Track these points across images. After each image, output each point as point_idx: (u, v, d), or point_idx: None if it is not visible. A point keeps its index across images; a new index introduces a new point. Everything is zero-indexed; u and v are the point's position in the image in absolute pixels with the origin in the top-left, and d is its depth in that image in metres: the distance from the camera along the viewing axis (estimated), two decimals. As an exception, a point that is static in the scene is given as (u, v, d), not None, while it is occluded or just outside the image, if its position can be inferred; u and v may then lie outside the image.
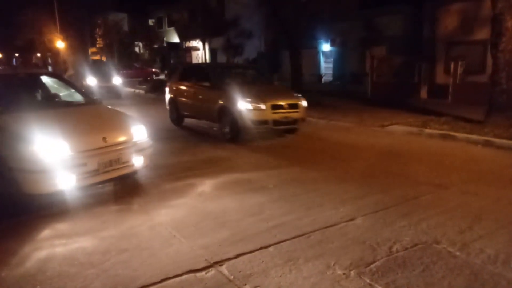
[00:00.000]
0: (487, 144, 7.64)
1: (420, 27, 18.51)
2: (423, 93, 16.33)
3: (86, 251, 3.40)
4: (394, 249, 3.41)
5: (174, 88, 10.34)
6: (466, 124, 9.24)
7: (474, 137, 7.99)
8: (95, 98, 6.04)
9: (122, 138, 4.83)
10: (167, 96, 10.64)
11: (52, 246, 3.52)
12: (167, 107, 10.64)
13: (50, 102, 5.80)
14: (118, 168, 4.71)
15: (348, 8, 21.65)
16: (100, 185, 4.96)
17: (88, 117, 5.18)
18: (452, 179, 5.42)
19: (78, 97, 6.05)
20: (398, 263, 3.16)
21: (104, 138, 4.57)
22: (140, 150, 4.98)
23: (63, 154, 4.19)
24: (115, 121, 5.19)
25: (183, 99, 9.82)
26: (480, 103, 10.86)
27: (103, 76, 18.98)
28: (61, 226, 3.98)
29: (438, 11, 17.64)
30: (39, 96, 6.01)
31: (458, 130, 8.59)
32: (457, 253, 3.32)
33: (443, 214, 4.18)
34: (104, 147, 4.54)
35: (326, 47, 23.49)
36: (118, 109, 6.40)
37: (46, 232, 3.83)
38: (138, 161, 4.98)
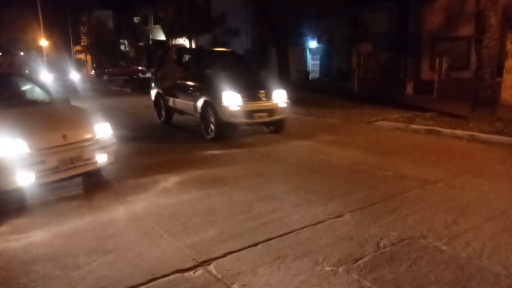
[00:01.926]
0: (472, 138, 7.74)
1: (406, 24, 18.66)
2: (409, 89, 16.50)
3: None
4: (381, 244, 3.42)
5: (158, 80, 10.03)
6: (451, 119, 9.35)
7: (459, 132, 8.09)
8: (62, 96, 5.99)
9: (83, 136, 4.81)
10: (152, 91, 10.32)
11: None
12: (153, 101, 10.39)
13: (13, 101, 5.71)
14: (79, 166, 4.70)
15: (334, 5, 21.71)
16: (62, 182, 4.94)
17: (49, 115, 5.14)
18: (438, 174, 5.47)
19: (45, 96, 6.01)
20: (385, 259, 3.18)
21: (64, 136, 4.55)
22: (103, 148, 4.97)
23: (21, 152, 4.17)
24: (77, 119, 5.16)
25: (168, 93, 9.51)
26: (464, 98, 11.01)
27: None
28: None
29: (423, 8, 17.79)
30: (2, 95, 5.92)
31: (444, 125, 8.68)
32: (444, 248, 3.35)
33: (429, 209, 4.21)
34: (64, 145, 4.53)
35: (313, 44, 23.54)
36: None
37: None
38: (101, 159, 4.96)
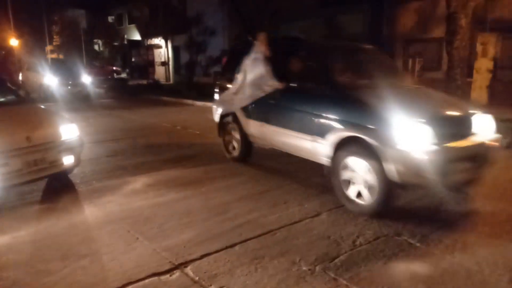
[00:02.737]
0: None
1: (380, 26, 18.99)
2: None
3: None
4: (357, 242, 3.46)
5: (231, 94, 5.93)
6: (424, 119, 9.54)
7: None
8: (28, 97, 5.84)
9: (48, 137, 4.72)
10: (217, 108, 6.51)
11: None
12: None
13: None
14: (44, 168, 4.61)
15: (309, 6, 21.88)
16: (30, 186, 4.85)
17: (12, 116, 4.99)
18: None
19: (10, 96, 5.87)
20: (361, 257, 3.22)
21: (28, 138, 4.45)
22: (69, 149, 4.88)
23: None
24: (41, 120, 5.04)
25: (252, 115, 5.70)
26: None
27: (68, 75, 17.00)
28: None
29: (396, 10, 18.15)
30: None
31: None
32: (417, 244, 3.42)
33: (403, 206, 4.29)
34: (28, 147, 4.43)
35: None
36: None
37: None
38: (67, 161, 4.87)
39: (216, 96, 6.73)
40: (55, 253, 3.32)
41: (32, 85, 16.59)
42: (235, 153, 6.23)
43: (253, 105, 5.61)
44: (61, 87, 15.84)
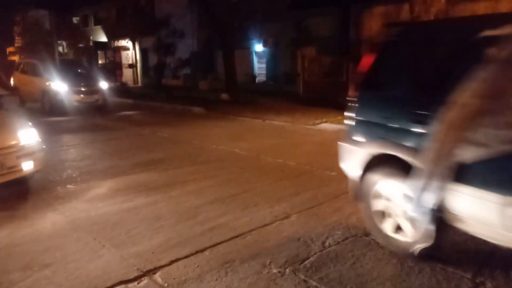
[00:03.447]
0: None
1: (347, 29, 19.37)
2: (351, 92, 17.12)
3: None
4: (327, 244, 3.50)
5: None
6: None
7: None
8: (22, 105, 5.64)
9: (6, 142, 4.58)
10: (358, 152, 3.77)
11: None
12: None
13: None
14: (2, 174, 4.49)
15: (279, 9, 22.07)
16: None
17: None
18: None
19: None
20: (330, 257, 3.26)
21: None
22: (29, 155, 4.75)
23: None
24: None
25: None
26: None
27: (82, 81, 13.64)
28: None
29: (363, 14, 18.56)
30: None
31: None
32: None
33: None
34: None
35: (259, 47, 23.75)
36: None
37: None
38: (27, 166, 4.73)
39: (353, 126, 4.13)
40: (17, 263, 3.19)
41: (30, 91, 13.60)
42: (406, 237, 3.23)
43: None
44: (72, 95, 12.80)
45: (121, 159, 6.63)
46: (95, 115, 12.52)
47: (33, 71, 14.10)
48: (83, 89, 13.23)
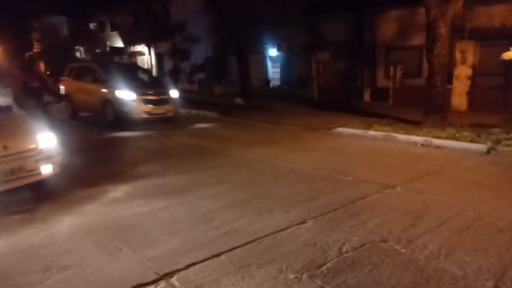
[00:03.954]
0: (426, 143, 8.06)
1: (361, 33, 19.28)
2: (366, 96, 17.02)
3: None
4: (343, 249, 3.47)
5: None
6: (406, 125, 9.70)
7: (414, 137, 8.41)
8: (2, 105, 5.73)
9: (25, 146, 4.67)
10: None
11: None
12: None
13: None
14: (22, 177, 4.56)
15: (293, 14, 22.08)
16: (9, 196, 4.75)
17: None
18: (396, 178, 5.64)
19: None
20: (348, 264, 3.22)
21: (4, 146, 4.40)
22: (48, 158, 4.83)
23: None
24: (18, 129, 4.97)
25: None
26: (418, 105, 11.43)
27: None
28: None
29: (377, 18, 18.46)
30: None
31: (399, 131, 8.99)
32: (403, 250, 3.44)
33: (388, 212, 4.33)
34: (5, 156, 4.38)
35: (273, 52, 23.79)
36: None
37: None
38: (45, 169, 4.81)
39: None
40: (36, 265, 3.23)
41: (86, 100, 11.91)
42: None
43: None
44: (141, 105, 10.74)
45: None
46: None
47: (90, 77, 11.99)
48: (153, 98, 11.00)
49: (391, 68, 15.83)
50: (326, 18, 20.56)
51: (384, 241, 3.62)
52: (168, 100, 11.42)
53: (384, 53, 18.19)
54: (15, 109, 6.50)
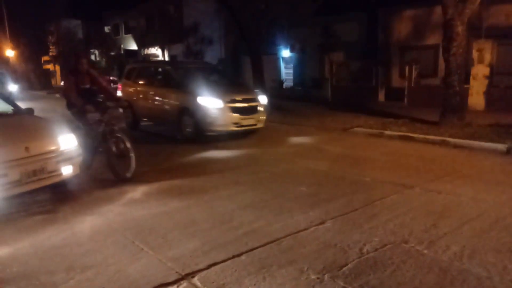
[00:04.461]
0: (443, 143, 7.95)
1: (375, 33, 19.14)
2: (381, 96, 16.87)
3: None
4: (364, 250, 3.44)
5: None
6: (422, 125, 9.60)
7: (431, 137, 8.30)
8: (24, 108, 5.82)
9: (47, 148, 4.73)
10: None
11: None
12: None
13: None
14: (43, 178, 4.62)
15: (305, 15, 22.06)
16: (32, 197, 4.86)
17: (11, 127, 5.02)
18: (414, 178, 5.58)
19: (7, 107, 5.85)
20: (369, 264, 3.19)
21: (26, 148, 4.47)
22: (68, 159, 4.89)
23: None
24: (40, 131, 5.06)
25: None
26: (434, 105, 11.33)
27: None
28: None
29: (391, 18, 18.30)
30: None
31: (416, 131, 8.90)
32: (425, 251, 3.40)
33: (408, 213, 4.28)
34: (27, 157, 4.44)
35: (286, 53, 23.79)
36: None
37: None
38: (66, 170, 4.87)
39: None
40: (60, 265, 3.27)
41: (153, 108, 9.86)
42: None
43: None
44: (228, 114, 8.47)
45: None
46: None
47: (159, 80, 10.25)
48: (242, 105, 8.68)
49: (406, 67, 15.67)
50: (339, 19, 20.49)
51: (406, 242, 3.58)
52: (257, 108, 9.14)
53: (398, 53, 18.03)
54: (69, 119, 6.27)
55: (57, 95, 25.26)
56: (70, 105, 6.12)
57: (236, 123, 8.70)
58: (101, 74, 7.51)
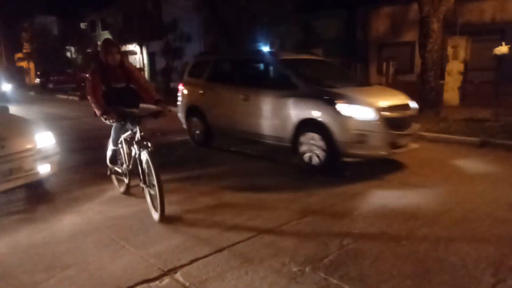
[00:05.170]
0: (420, 138, 8.11)
1: (354, 30, 19.39)
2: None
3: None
4: (345, 242, 3.51)
5: None
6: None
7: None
8: None
9: (23, 146, 4.65)
10: None
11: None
12: None
13: None
14: (20, 177, 4.55)
15: (286, 12, 22.14)
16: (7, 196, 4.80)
17: None
18: (391, 173, 5.69)
19: None
20: (349, 256, 3.26)
21: (2, 146, 4.40)
22: (45, 158, 4.82)
23: None
24: (16, 128, 4.96)
25: None
26: (410, 100, 11.53)
27: None
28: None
29: (369, 15, 18.57)
30: None
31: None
32: (403, 242, 3.49)
33: (386, 206, 4.37)
34: (3, 156, 4.38)
35: (266, 49, 23.82)
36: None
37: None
38: (44, 169, 4.80)
39: None
40: (39, 264, 3.23)
41: (241, 119, 6.91)
42: None
43: None
44: (381, 129, 5.50)
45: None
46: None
47: (253, 78, 7.35)
48: (398, 115, 5.83)
49: (384, 64, 15.93)
50: (318, 16, 20.64)
51: (384, 233, 3.67)
52: (413, 120, 6.30)
53: (376, 50, 18.34)
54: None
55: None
56: (102, 115, 4.29)
57: (392, 143, 5.70)
58: (139, 69, 5.39)
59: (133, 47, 29.31)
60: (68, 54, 36.51)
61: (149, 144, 4.09)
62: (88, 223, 4.09)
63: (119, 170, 4.95)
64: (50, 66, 34.11)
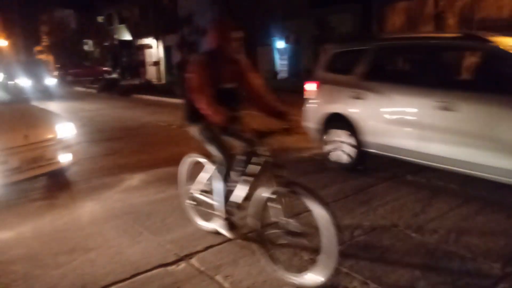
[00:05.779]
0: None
1: (369, 25, 19.23)
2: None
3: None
4: (355, 233, 3.59)
5: None
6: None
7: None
8: (22, 96, 5.89)
9: (45, 136, 4.84)
10: None
11: None
12: None
13: None
14: (42, 166, 4.73)
15: (300, 6, 22.09)
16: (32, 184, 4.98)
17: (10, 115, 5.11)
18: (402, 168, 5.71)
19: (5, 96, 5.92)
20: (360, 247, 3.35)
21: (25, 136, 4.56)
22: (66, 147, 5.00)
23: None
24: (38, 119, 5.16)
25: None
26: None
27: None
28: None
29: (385, 9, 18.39)
30: None
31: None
32: (413, 235, 3.55)
33: (398, 200, 4.43)
34: (26, 145, 4.54)
35: (280, 44, 23.81)
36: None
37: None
38: (65, 158, 4.97)
39: None
40: (62, 247, 3.40)
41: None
42: None
43: None
44: None
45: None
46: None
47: (459, 78, 5.87)
48: None
49: (400, 59, 15.77)
50: (334, 10, 20.52)
51: (395, 226, 3.73)
52: None
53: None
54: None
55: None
56: (195, 118, 3.22)
57: None
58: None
59: (149, 41, 29.56)
60: (86, 47, 37.04)
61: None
62: (108, 210, 4.26)
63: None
64: (68, 59, 34.64)
